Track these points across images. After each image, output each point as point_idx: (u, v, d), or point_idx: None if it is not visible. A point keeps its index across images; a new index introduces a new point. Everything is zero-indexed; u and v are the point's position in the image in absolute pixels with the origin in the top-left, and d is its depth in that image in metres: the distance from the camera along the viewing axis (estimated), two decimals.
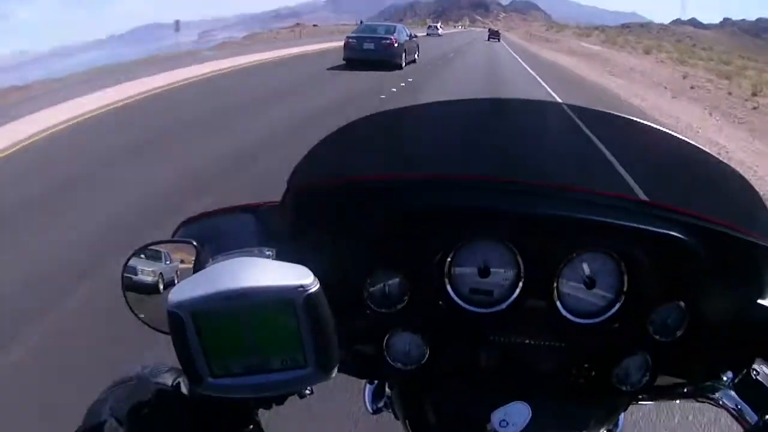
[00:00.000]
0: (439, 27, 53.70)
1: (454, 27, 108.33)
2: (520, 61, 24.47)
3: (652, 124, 0.79)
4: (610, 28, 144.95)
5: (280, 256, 0.61)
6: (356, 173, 0.76)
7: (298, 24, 63.06)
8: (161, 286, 0.69)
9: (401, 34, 14.91)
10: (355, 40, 14.45)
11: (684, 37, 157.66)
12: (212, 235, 0.72)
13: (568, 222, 0.66)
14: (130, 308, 0.68)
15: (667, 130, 0.79)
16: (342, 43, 15.20)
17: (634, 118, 0.80)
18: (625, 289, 0.68)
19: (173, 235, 0.75)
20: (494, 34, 53.89)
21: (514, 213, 0.67)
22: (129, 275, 0.68)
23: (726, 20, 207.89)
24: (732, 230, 0.68)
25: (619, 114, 0.81)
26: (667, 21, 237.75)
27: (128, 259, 0.68)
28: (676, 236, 0.65)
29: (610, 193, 0.69)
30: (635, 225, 0.65)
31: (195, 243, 0.67)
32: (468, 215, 0.68)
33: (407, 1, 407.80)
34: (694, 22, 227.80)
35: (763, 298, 0.69)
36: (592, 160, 0.81)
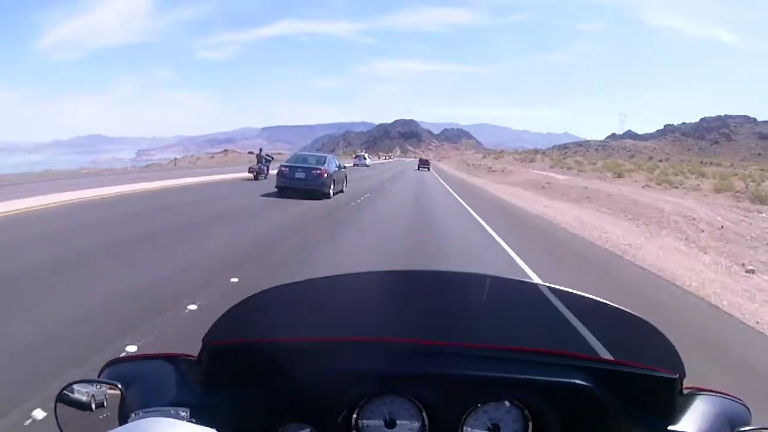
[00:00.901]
0: (367, 157, 54.58)
1: (379, 157, 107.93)
2: (474, 214, 13.17)
3: (541, 283, 0.84)
4: (549, 150, 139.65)
5: (194, 416, 0.67)
6: (269, 336, 0.80)
7: (225, 150, 64.95)
8: (93, 406, 0.77)
9: (331, 164, 15.30)
10: (287, 169, 14.68)
11: (628, 151, 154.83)
12: (135, 379, 0.77)
13: (467, 378, 0.68)
14: (58, 423, 0.74)
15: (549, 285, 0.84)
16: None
17: (534, 282, 0.89)
18: None
19: (100, 373, 0.83)
20: (424, 163, 57.75)
21: (416, 373, 0.70)
22: (67, 392, 0.77)
23: (668, 126, 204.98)
24: (635, 367, 0.71)
25: (522, 279, 0.86)
26: (602, 137, 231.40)
27: (64, 387, 0.78)
28: (577, 383, 0.66)
29: (504, 346, 0.71)
30: (534, 377, 0.67)
31: (120, 385, 0.73)
32: (371, 376, 0.71)
33: (340, 130, 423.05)
34: (630, 134, 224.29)
35: (674, 423, 0.71)
36: (498, 319, 0.83)
